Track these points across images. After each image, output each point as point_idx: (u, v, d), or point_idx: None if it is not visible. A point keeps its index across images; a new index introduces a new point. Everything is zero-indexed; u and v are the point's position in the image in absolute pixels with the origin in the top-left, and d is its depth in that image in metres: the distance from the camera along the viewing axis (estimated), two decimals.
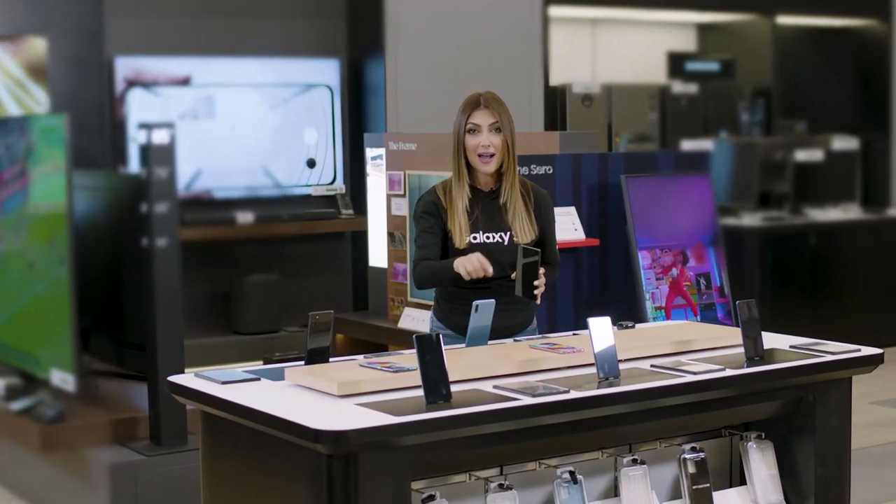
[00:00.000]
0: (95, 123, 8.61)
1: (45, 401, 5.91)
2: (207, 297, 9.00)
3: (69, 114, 5.84)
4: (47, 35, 8.41)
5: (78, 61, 8.65)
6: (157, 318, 5.61)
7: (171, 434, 5.66)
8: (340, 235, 9.57)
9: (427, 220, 4.73)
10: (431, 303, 7.05)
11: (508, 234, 4.68)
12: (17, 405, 6.03)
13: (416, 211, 4.79)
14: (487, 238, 4.67)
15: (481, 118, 4.67)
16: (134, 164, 8.45)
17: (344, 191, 9.42)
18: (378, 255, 7.97)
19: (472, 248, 4.64)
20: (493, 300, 4.31)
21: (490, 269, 4.52)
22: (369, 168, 8.07)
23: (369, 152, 8.06)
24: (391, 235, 7.62)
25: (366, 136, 8.32)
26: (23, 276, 6.16)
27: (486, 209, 4.72)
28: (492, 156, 4.65)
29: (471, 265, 4.52)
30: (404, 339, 7.05)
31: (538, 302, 4.65)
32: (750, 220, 9.88)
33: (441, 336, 3.54)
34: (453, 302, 4.75)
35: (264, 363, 7.42)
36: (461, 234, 4.66)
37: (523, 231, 4.69)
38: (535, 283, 4.51)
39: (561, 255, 6.72)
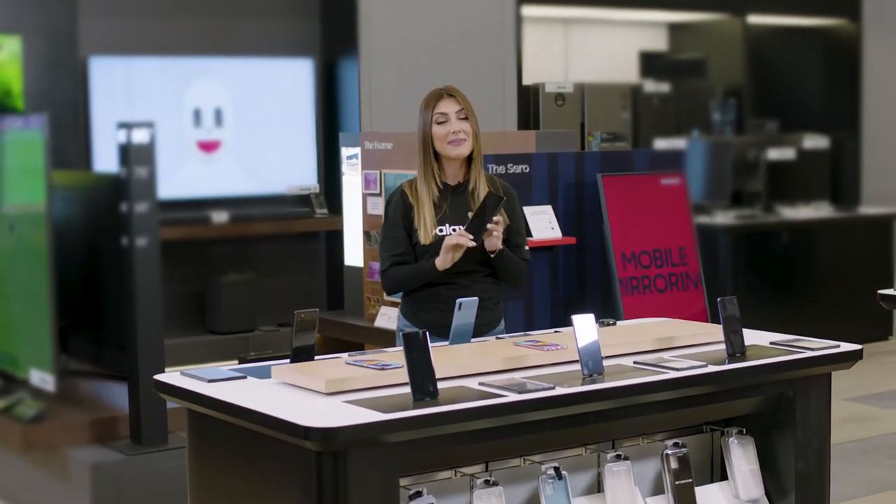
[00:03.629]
0: (69, 123, 8.59)
1: (24, 400, 5.90)
2: (182, 296, 8.98)
3: (39, 112, 5.84)
4: (22, 34, 8.39)
5: (52, 61, 8.63)
6: (138, 317, 5.61)
7: (151, 433, 5.66)
8: (315, 235, 9.58)
9: (394, 225, 4.76)
10: None
11: None
12: None
13: (386, 211, 4.84)
14: (454, 230, 4.69)
15: (448, 107, 4.73)
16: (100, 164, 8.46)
17: (318, 190, 9.42)
18: (354, 254, 7.98)
19: (438, 241, 4.68)
20: (476, 298, 4.32)
21: (461, 238, 4.56)
22: (345, 167, 8.08)
23: (345, 151, 8.07)
24: (367, 234, 7.63)
25: (341, 136, 8.34)
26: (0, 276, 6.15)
27: (454, 203, 4.75)
28: (464, 140, 4.70)
29: (447, 252, 4.60)
30: (381, 337, 7.08)
31: (492, 255, 4.67)
32: (723, 218, 9.94)
33: (427, 334, 3.56)
34: (422, 300, 4.78)
35: (239, 362, 7.41)
36: (426, 230, 4.70)
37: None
38: (489, 226, 4.55)
39: (538, 254, 6.82)
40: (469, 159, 4.77)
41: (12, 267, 6.06)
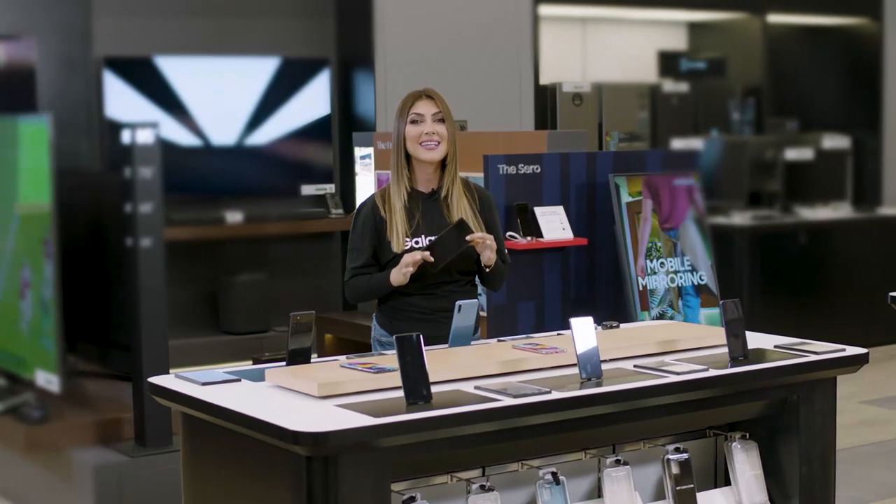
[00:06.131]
0: (83, 123, 8.59)
1: (29, 401, 5.89)
2: (196, 296, 8.98)
3: (54, 113, 5.83)
4: (36, 34, 8.38)
5: (66, 61, 8.63)
6: (142, 318, 5.59)
7: (155, 435, 5.64)
8: (329, 235, 9.55)
9: (360, 238, 4.63)
10: None
11: None
12: (1, 406, 6.01)
13: (355, 221, 4.67)
14: (429, 241, 4.54)
15: (424, 108, 4.57)
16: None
17: (333, 190, 9.39)
18: None
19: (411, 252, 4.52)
20: (476, 300, 4.29)
21: (420, 256, 4.43)
22: (358, 167, 8.06)
23: (358, 151, 8.05)
24: None
25: (354, 136, 8.31)
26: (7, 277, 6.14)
27: (427, 212, 4.61)
28: (437, 143, 4.55)
29: (405, 267, 4.45)
30: None
31: (487, 269, 4.57)
32: (740, 218, 9.87)
33: (422, 336, 3.52)
34: (399, 309, 4.65)
35: (253, 363, 7.40)
36: (399, 240, 4.54)
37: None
38: (448, 257, 4.44)
39: (549, 254, 6.78)
40: (444, 165, 4.62)
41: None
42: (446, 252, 4.45)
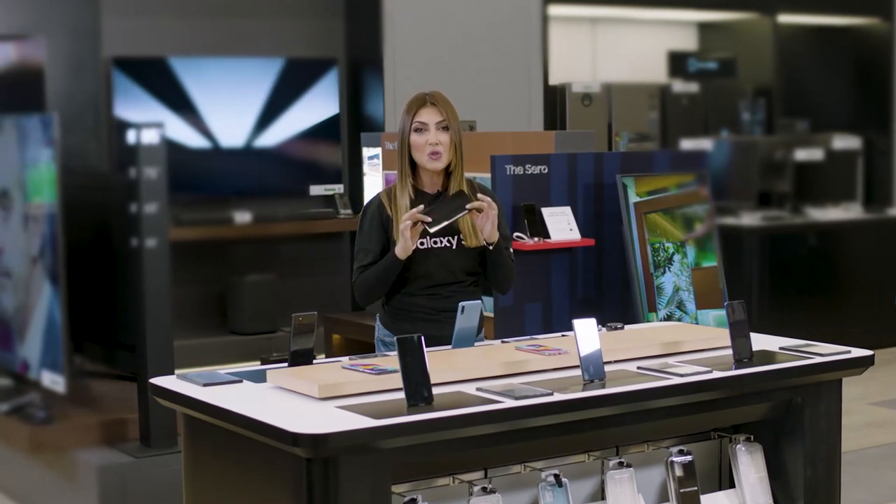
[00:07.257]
0: (92, 123, 8.59)
1: (34, 401, 5.89)
2: (204, 296, 8.98)
3: (62, 112, 5.83)
4: (45, 34, 8.39)
5: (75, 61, 8.63)
6: (147, 319, 5.58)
7: (160, 436, 5.63)
8: (338, 235, 9.55)
9: (367, 238, 4.59)
10: None
11: (457, 237, 4.54)
12: (6, 406, 6.01)
13: (361, 222, 4.65)
14: (435, 243, 4.52)
15: (428, 116, 4.52)
16: None
17: (342, 190, 9.38)
18: None
19: (418, 254, 4.50)
20: (479, 301, 4.26)
21: (416, 213, 4.37)
22: (366, 168, 8.05)
23: (366, 152, 8.04)
24: None
25: (362, 136, 8.31)
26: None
27: (432, 212, 4.52)
28: (440, 154, 4.52)
29: (405, 241, 4.40)
30: None
31: (490, 246, 4.50)
32: (749, 219, 9.84)
33: (423, 338, 3.50)
34: (403, 309, 4.62)
35: (261, 363, 7.40)
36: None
37: (471, 233, 4.53)
38: (444, 220, 4.38)
39: (557, 255, 6.76)
40: (450, 171, 4.58)
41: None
42: (443, 215, 4.41)
